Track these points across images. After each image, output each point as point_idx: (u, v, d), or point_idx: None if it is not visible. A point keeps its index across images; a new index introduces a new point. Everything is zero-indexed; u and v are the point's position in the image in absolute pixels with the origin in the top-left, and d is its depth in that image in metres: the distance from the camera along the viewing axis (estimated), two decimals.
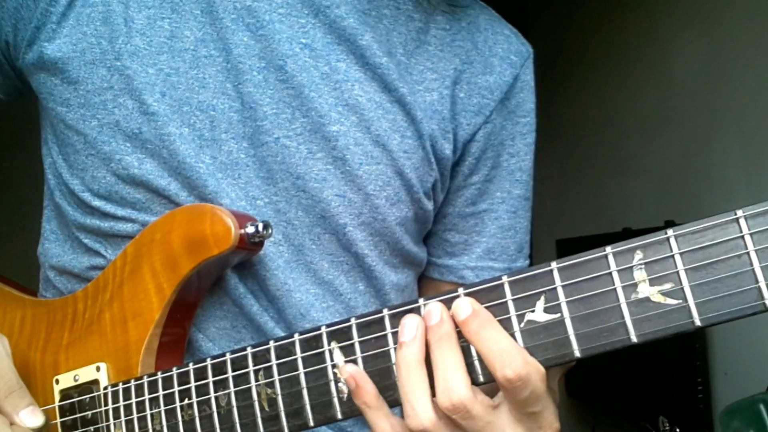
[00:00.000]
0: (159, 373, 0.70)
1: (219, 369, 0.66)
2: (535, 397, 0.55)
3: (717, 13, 2.33)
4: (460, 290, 0.57)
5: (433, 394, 0.56)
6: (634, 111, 2.80)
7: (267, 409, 0.63)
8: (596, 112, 3.09)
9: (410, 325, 0.57)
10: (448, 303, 0.57)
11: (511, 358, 0.53)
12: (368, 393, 0.58)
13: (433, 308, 0.57)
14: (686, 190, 2.44)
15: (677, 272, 0.49)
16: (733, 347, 2.23)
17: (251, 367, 0.64)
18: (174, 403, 0.68)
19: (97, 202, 0.77)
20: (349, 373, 0.58)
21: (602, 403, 2.88)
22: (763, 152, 2.11)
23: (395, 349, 0.58)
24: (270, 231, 0.72)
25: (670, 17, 2.57)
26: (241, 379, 0.65)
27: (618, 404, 2.71)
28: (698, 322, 0.49)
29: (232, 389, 0.65)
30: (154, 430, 0.69)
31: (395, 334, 0.59)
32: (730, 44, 2.28)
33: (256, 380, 0.64)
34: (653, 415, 2.30)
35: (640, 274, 0.51)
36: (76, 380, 0.75)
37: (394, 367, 0.58)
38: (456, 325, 0.56)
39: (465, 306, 0.55)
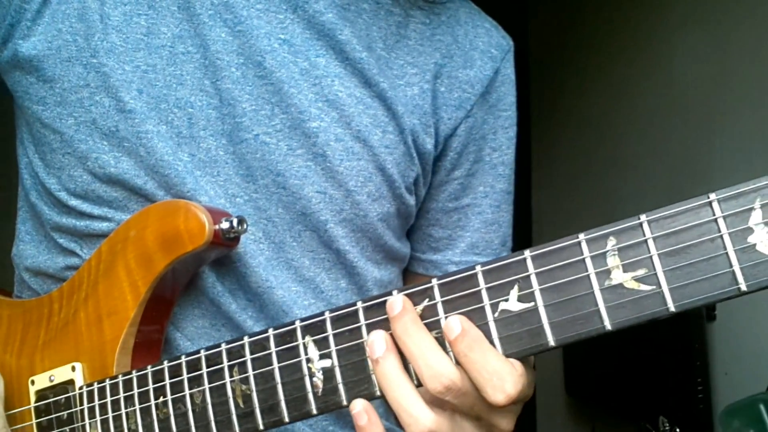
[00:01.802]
0: (134, 371, 0.69)
1: (193, 366, 0.65)
2: (523, 398, 0.55)
3: (718, 13, 2.34)
4: (434, 280, 0.56)
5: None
6: (635, 110, 2.80)
7: (242, 405, 0.62)
8: (596, 111, 3.09)
9: (378, 340, 0.57)
10: (423, 293, 0.56)
11: (501, 380, 0.53)
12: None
13: (394, 299, 0.56)
14: (686, 189, 2.43)
15: (650, 258, 0.49)
16: (733, 347, 2.22)
17: (225, 363, 0.63)
18: (149, 401, 0.67)
19: (73, 201, 0.76)
20: (359, 408, 0.57)
21: (602, 403, 2.87)
22: (764, 152, 2.10)
23: None
24: (245, 226, 0.71)
25: (671, 16, 2.57)
26: (216, 376, 0.64)
27: (618, 404, 2.70)
28: (672, 308, 0.48)
29: (206, 386, 0.64)
30: (129, 429, 0.68)
31: (369, 327, 0.58)
32: (730, 43, 2.28)
33: (231, 376, 0.63)
34: (653, 415, 2.29)
35: (613, 261, 0.50)
36: (51, 381, 0.74)
37: (368, 360, 0.58)
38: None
39: (455, 324, 0.54)
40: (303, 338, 0.60)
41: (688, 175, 2.45)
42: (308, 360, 0.60)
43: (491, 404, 0.53)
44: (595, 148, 3.09)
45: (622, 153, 2.89)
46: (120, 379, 0.69)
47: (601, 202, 3.02)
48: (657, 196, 2.61)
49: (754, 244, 0.46)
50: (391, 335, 0.57)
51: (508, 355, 0.53)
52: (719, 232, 0.47)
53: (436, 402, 0.56)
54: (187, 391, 0.65)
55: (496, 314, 0.53)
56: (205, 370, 0.64)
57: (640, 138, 2.76)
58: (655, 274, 0.48)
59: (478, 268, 0.54)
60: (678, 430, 2.18)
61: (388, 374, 0.56)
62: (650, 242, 0.49)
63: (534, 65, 3.38)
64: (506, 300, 0.53)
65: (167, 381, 0.66)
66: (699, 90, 2.43)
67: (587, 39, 3.15)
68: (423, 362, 0.55)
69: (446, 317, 0.55)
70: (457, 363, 0.54)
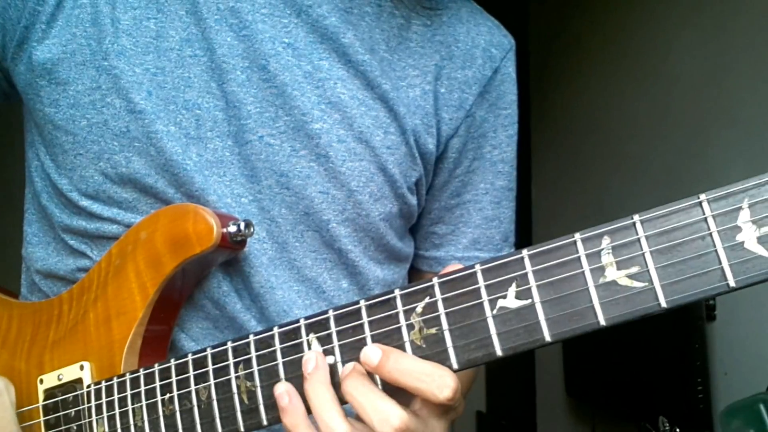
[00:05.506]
0: (141, 369, 0.70)
1: (200, 363, 0.67)
2: (459, 402, 0.59)
3: (717, 13, 2.34)
4: (434, 279, 0.58)
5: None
6: (634, 110, 2.80)
7: (246, 402, 0.64)
8: (596, 111, 3.09)
9: (311, 359, 0.60)
10: (424, 291, 0.58)
11: (443, 378, 0.56)
12: (298, 412, 0.60)
13: (309, 356, 0.61)
14: (686, 190, 2.42)
15: (643, 255, 0.50)
16: (733, 347, 2.22)
17: (231, 360, 0.65)
18: (155, 397, 0.68)
19: (84, 202, 0.78)
20: (281, 390, 0.61)
21: (602, 403, 2.87)
22: (764, 152, 2.11)
23: (372, 338, 0.59)
24: (252, 230, 0.73)
25: (671, 16, 2.58)
26: (222, 372, 0.65)
27: (618, 404, 2.70)
28: (664, 304, 0.49)
29: (212, 381, 0.65)
30: (135, 425, 0.69)
31: (371, 324, 0.60)
32: (730, 43, 2.28)
33: (236, 373, 0.64)
34: (653, 415, 2.29)
35: (607, 258, 0.51)
36: (60, 379, 0.76)
37: None
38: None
39: (374, 352, 0.58)
40: (307, 335, 0.62)
41: (687, 174, 2.45)
42: None
43: (439, 402, 0.56)
44: (594, 147, 3.10)
45: (622, 152, 2.89)
46: (127, 376, 0.71)
47: (600, 200, 3.03)
48: (656, 195, 2.61)
49: (743, 242, 0.47)
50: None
51: (505, 350, 0.55)
52: (709, 230, 0.48)
53: None
54: (192, 387, 0.66)
55: (495, 311, 0.55)
56: (211, 367, 0.66)
57: (640, 137, 2.76)
58: (648, 271, 0.50)
59: (477, 267, 0.56)
60: (678, 430, 2.18)
61: (314, 385, 0.59)
62: (643, 241, 0.50)
63: (534, 65, 3.39)
64: (504, 297, 0.55)
65: (174, 378, 0.68)
66: (696, 90, 2.44)
67: (587, 39, 3.16)
68: (371, 407, 0.57)
69: (368, 337, 0.60)
70: (388, 385, 0.58)
